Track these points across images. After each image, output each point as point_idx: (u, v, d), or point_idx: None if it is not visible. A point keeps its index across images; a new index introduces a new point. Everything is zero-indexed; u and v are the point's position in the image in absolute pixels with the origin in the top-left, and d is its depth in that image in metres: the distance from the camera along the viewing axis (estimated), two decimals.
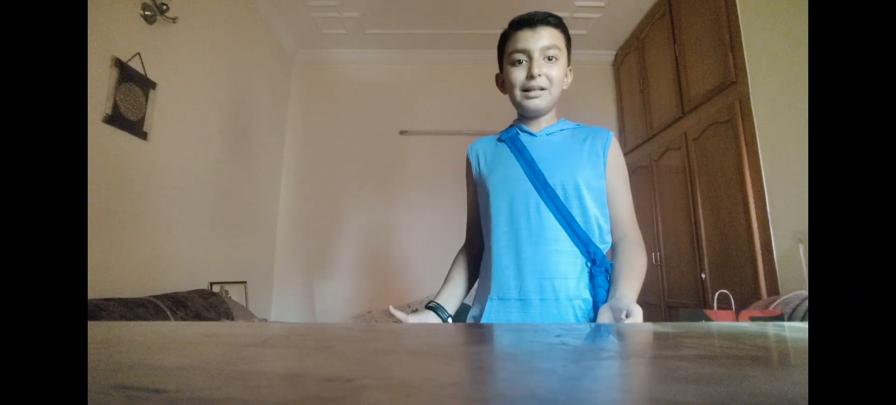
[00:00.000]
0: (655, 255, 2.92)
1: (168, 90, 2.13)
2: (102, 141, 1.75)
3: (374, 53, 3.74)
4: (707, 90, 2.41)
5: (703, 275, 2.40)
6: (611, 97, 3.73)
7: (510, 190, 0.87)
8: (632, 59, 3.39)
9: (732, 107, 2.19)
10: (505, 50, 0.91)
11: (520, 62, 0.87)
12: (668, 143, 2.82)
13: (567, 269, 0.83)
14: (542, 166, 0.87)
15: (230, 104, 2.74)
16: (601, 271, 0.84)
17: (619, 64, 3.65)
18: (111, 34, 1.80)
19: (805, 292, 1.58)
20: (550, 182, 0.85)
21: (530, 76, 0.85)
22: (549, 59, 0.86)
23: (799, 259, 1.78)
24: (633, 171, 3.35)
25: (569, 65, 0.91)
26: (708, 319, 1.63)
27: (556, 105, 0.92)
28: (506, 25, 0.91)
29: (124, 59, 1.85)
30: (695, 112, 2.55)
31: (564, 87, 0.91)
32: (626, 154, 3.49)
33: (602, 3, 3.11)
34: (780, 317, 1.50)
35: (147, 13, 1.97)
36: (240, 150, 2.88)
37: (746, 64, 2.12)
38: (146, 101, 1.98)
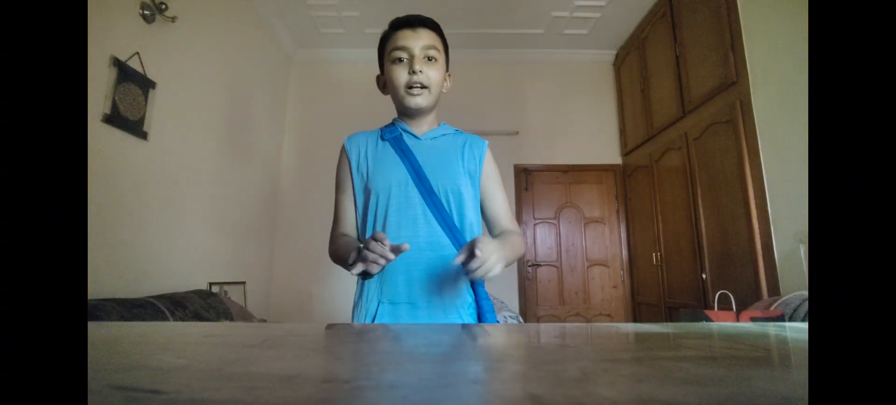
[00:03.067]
0: (655, 255, 2.92)
1: (167, 90, 2.13)
2: (101, 141, 1.75)
3: (372, 53, 3.72)
4: (708, 90, 2.41)
5: (704, 276, 2.40)
6: (611, 97, 3.72)
7: (398, 194, 0.88)
8: (632, 59, 3.39)
9: (733, 107, 2.19)
10: (385, 49, 0.92)
11: (401, 60, 0.89)
12: (669, 143, 2.82)
13: (452, 275, 0.86)
14: (427, 172, 0.89)
15: (229, 104, 2.74)
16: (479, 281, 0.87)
17: (619, 64, 3.65)
18: (110, 33, 1.80)
19: (806, 293, 1.58)
20: (436, 190, 0.87)
21: (412, 72, 0.87)
22: (429, 59, 0.89)
23: (799, 259, 1.78)
24: (634, 171, 3.36)
25: (447, 70, 0.95)
26: (708, 320, 1.63)
27: (436, 108, 0.95)
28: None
29: (123, 58, 1.84)
30: (695, 112, 2.55)
31: (444, 91, 0.94)
32: (626, 154, 3.50)
33: (602, 3, 3.11)
34: (780, 318, 1.50)
35: (146, 12, 1.97)
36: (239, 150, 2.88)
37: (747, 64, 2.12)
38: (146, 100, 1.98)
